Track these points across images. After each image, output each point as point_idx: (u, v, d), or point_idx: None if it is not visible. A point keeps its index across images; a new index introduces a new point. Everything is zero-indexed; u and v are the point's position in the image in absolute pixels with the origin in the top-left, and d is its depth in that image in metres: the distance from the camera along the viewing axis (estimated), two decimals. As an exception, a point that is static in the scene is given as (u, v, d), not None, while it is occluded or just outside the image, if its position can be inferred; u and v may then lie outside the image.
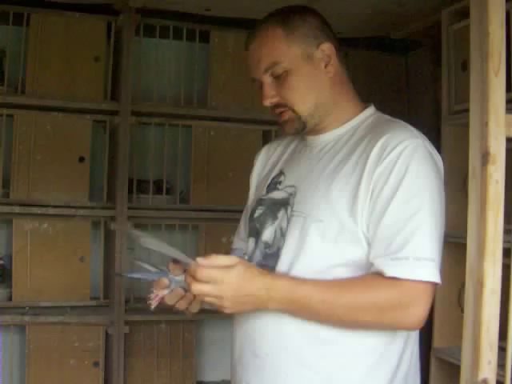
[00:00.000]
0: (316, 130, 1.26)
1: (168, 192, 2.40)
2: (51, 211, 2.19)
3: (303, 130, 1.25)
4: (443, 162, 1.34)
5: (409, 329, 1.14)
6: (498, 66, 1.16)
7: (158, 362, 2.34)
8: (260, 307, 1.11)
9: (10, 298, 2.19)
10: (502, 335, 1.19)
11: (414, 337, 1.21)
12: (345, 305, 1.09)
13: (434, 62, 2.56)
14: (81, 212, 2.24)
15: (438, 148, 1.84)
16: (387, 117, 1.29)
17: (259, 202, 1.30)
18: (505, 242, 1.22)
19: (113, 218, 2.26)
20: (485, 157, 1.17)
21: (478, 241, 1.19)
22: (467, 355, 1.21)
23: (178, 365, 2.37)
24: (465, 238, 1.27)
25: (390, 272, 1.07)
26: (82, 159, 2.27)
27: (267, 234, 1.23)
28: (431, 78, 2.60)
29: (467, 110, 1.30)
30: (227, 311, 1.10)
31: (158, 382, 2.34)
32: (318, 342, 1.14)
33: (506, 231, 1.24)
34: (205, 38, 2.44)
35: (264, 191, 1.31)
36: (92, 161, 2.31)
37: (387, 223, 1.09)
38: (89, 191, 2.29)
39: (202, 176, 2.41)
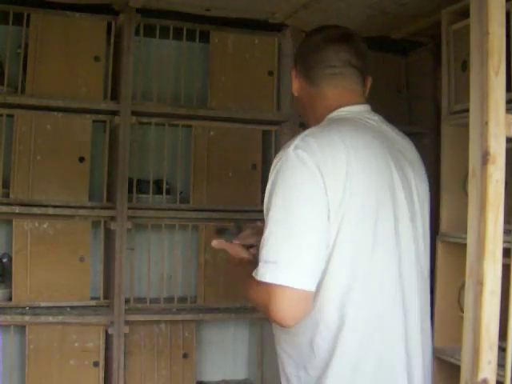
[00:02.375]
0: None
1: (168, 192, 2.40)
2: (51, 211, 2.19)
3: None
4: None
5: (277, 324, 1.26)
6: (498, 66, 1.16)
7: (157, 362, 2.34)
8: None
9: (10, 298, 2.19)
10: (502, 335, 1.19)
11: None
12: (246, 288, 1.34)
13: (434, 62, 2.56)
14: (81, 212, 2.23)
15: (438, 148, 1.85)
16: (328, 121, 1.40)
17: None
18: (505, 242, 1.22)
19: (113, 218, 2.25)
20: (485, 157, 1.17)
21: (478, 241, 1.19)
22: (467, 355, 1.21)
23: (178, 365, 2.37)
24: (465, 238, 1.27)
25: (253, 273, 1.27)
26: (82, 159, 2.27)
27: None
28: (431, 77, 2.60)
29: (467, 110, 1.30)
30: None
31: (158, 381, 2.34)
32: (283, 330, 1.33)
33: (506, 231, 1.24)
34: (205, 38, 2.44)
35: None
36: (92, 161, 2.31)
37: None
38: (89, 191, 2.29)
39: (202, 176, 2.41)
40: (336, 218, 1.24)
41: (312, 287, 1.21)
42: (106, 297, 2.32)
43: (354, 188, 1.25)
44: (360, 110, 1.44)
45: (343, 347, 1.25)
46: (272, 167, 1.29)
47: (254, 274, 1.25)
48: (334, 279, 1.24)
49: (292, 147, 1.26)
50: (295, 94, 1.48)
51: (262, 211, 2.56)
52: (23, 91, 2.20)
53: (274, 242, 1.22)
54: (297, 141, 1.27)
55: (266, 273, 1.20)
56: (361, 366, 1.26)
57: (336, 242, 1.24)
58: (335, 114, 1.40)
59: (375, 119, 1.46)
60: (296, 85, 1.47)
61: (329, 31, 1.45)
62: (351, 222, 1.25)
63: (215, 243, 1.52)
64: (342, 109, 1.41)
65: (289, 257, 1.20)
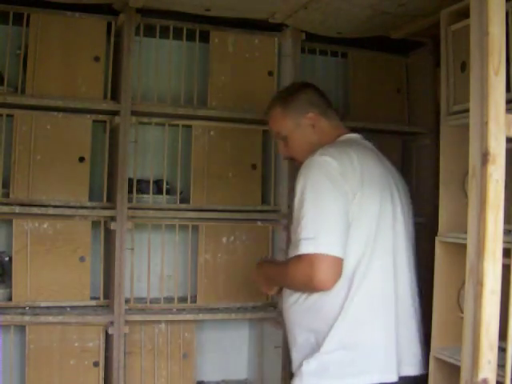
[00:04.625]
0: None
1: (168, 192, 2.40)
2: (51, 211, 2.19)
3: None
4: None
5: (315, 290, 1.61)
6: (498, 66, 1.17)
7: (157, 362, 2.34)
8: None
9: (10, 298, 2.19)
10: (502, 335, 1.19)
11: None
12: (283, 276, 1.72)
13: (434, 62, 2.56)
14: (81, 212, 2.23)
15: (438, 148, 1.85)
16: (338, 142, 1.79)
17: None
18: (505, 242, 1.22)
19: (113, 218, 2.25)
20: (485, 157, 1.17)
21: (478, 241, 1.20)
22: (467, 355, 1.21)
23: (177, 365, 2.37)
24: (465, 238, 1.27)
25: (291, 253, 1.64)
26: (82, 159, 2.27)
27: None
28: (431, 77, 2.60)
29: (466, 111, 1.30)
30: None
31: (158, 382, 2.34)
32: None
33: (506, 231, 1.24)
34: (205, 38, 2.44)
35: None
36: (92, 161, 2.31)
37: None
38: (89, 191, 2.29)
39: (202, 176, 2.41)
40: (353, 204, 1.60)
41: (342, 255, 1.57)
42: (106, 297, 2.32)
43: (365, 182, 1.64)
44: (357, 136, 1.84)
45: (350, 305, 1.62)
46: (300, 172, 1.65)
47: (295, 254, 1.58)
48: (350, 252, 1.60)
49: (317, 155, 1.64)
50: (317, 132, 1.81)
51: (261, 211, 2.57)
52: (23, 91, 2.20)
53: (310, 224, 1.57)
54: (320, 151, 1.66)
55: (309, 246, 1.55)
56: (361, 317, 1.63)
57: (352, 224, 1.60)
58: (341, 138, 1.81)
59: (370, 144, 1.85)
60: (317, 126, 1.81)
61: (307, 84, 1.92)
62: (363, 210, 1.62)
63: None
64: (345, 135, 1.82)
65: (324, 232, 1.56)
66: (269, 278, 1.84)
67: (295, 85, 1.96)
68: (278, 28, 2.47)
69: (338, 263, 1.56)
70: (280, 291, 1.83)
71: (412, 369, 1.69)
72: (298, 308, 1.70)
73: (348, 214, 1.60)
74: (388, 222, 1.69)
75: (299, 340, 1.70)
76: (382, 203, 1.67)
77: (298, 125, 1.81)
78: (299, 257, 1.57)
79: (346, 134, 1.83)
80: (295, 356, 1.73)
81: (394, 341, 1.65)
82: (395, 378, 1.64)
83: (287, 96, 1.85)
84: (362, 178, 1.64)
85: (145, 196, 2.35)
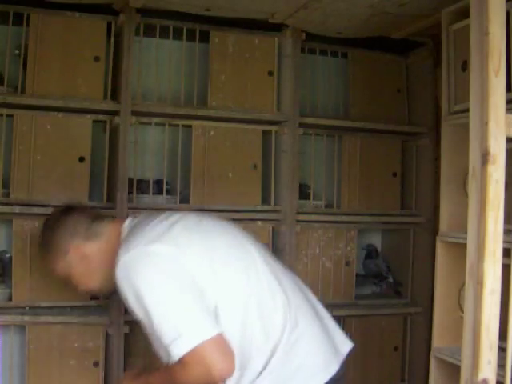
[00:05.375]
0: None
1: (168, 192, 2.40)
2: (51, 211, 2.19)
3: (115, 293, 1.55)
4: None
5: (224, 377, 1.41)
6: (498, 66, 1.17)
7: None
8: None
9: (10, 298, 2.19)
10: (502, 335, 1.19)
11: None
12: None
13: (434, 62, 2.56)
14: (81, 212, 2.23)
15: (438, 148, 1.85)
16: (127, 232, 1.61)
17: None
18: (505, 242, 1.22)
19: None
20: (485, 157, 1.17)
21: (478, 241, 1.20)
22: (467, 355, 1.22)
23: (178, 365, 2.36)
24: (465, 238, 1.27)
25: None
26: (82, 159, 2.27)
27: None
28: (431, 78, 2.60)
29: (467, 110, 1.30)
30: None
31: (158, 382, 2.34)
32: None
33: (506, 231, 1.24)
34: (205, 38, 2.44)
35: None
36: (92, 161, 2.31)
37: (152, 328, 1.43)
38: (89, 191, 2.29)
39: (202, 176, 2.40)
40: (205, 277, 1.46)
41: (220, 330, 1.40)
42: (106, 297, 2.32)
43: (207, 249, 1.51)
44: (133, 219, 1.67)
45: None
46: (123, 273, 1.44)
47: (172, 361, 1.38)
48: (232, 320, 1.46)
49: (139, 248, 1.46)
50: (92, 261, 1.63)
51: (261, 211, 2.56)
52: (23, 91, 2.20)
53: (168, 325, 1.38)
54: (138, 244, 1.48)
55: (181, 347, 1.35)
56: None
57: (217, 291, 1.46)
58: (126, 230, 1.62)
59: (147, 217, 1.66)
60: (86, 257, 1.63)
61: (61, 212, 1.74)
62: (221, 272, 1.49)
63: None
64: (124, 227, 1.64)
65: (187, 324, 1.38)
66: None
67: (50, 220, 1.75)
68: (278, 28, 2.47)
69: (221, 340, 1.39)
70: None
71: (347, 346, 1.61)
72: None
73: (203, 286, 1.44)
74: (250, 259, 1.57)
75: None
76: (238, 256, 1.56)
77: (68, 263, 1.65)
78: (179, 362, 1.36)
79: (122, 225, 1.65)
80: None
81: (325, 345, 1.56)
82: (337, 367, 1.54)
83: (46, 240, 1.70)
84: (200, 244, 1.52)
85: (145, 196, 2.35)
